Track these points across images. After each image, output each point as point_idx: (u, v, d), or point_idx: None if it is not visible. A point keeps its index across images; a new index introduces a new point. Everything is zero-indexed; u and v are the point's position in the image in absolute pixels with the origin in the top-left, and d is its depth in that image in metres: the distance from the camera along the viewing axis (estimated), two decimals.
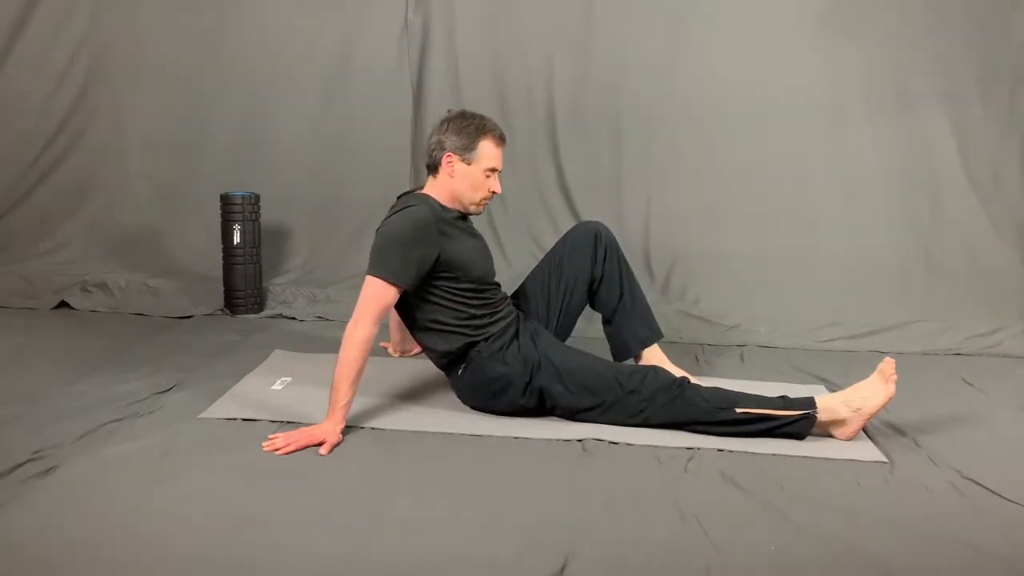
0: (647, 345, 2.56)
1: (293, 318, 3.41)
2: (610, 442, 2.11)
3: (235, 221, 3.40)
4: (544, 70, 3.64)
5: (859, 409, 2.13)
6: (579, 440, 2.12)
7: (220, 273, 3.46)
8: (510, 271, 3.40)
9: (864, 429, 2.22)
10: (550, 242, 3.68)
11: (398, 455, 2.04)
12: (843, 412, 2.14)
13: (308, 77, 3.73)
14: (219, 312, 3.43)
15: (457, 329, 2.28)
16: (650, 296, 2.75)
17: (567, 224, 3.68)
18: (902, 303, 3.36)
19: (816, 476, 1.95)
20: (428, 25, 3.67)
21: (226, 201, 3.41)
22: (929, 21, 3.43)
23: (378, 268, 2.16)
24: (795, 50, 3.51)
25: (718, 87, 3.55)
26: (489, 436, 2.15)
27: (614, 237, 2.56)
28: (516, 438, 2.14)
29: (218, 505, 1.74)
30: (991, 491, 1.88)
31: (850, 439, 2.16)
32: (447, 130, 2.29)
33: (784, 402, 2.17)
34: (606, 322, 2.60)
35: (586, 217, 3.66)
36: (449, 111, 2.36)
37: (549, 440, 2.13)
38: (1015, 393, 2.64)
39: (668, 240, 3.61)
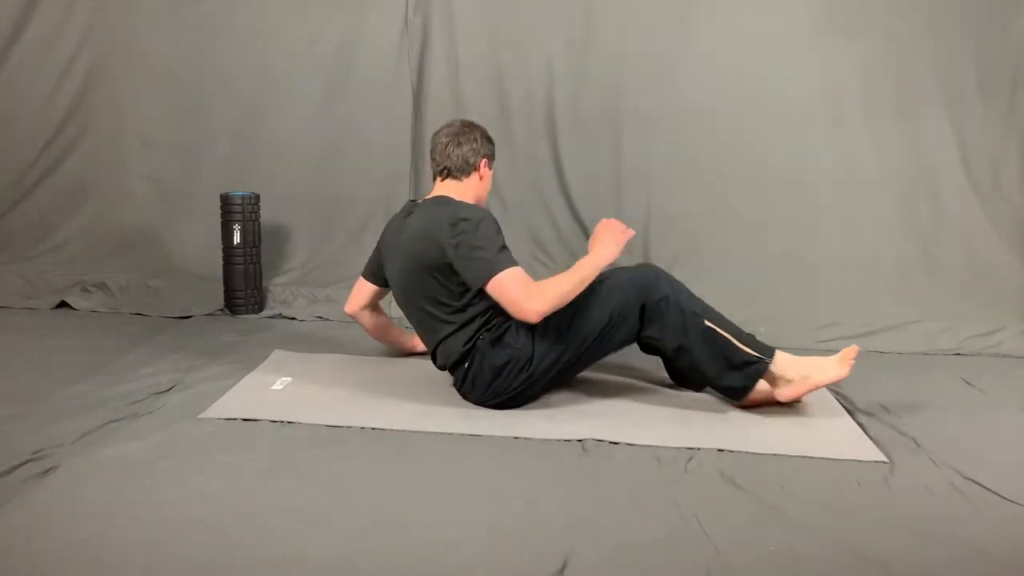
0: None
1: (293, 318, 3.41)
2: (610, 442, 2.11)
3: (235, 221, 3.40)
4: (544, 70, 3.64)
5: (807, 376, 2.28)
6: (579, 440, 2.12)
7: (220, 273, 3.46)
8: None
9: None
10: (549, 242, 3.71)
11: (398, 455, 2.04)
12: (791, 373, 2.29)
13: (308, 77, 3.73)
14: (219, 312, 3.43)
15: (476, 319, 2.30)
16: None
17: (567, 224, 3.70)
18: (902, 303, 3.36)
19: (816, 476, 1.95)
20: (428, 25, 3.67)
21: (226, 201, 3.41)
22: (929, 21, 3.43)
23: (502, 261, 2.20)
24: (795, 50, 3.51)
25: (718, 87, 3.55)
26: (489, 436, 2.15)
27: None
28: (516, 438, 2.14)
29: (218, 505, 1.74)
30: (991, 491, 1.88)
31: (788, 400, 2.30)
32: (478, 139, 2.45)
33: (749, 339, 2.30)
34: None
35: (586, 218, 3.67)
36: (462, 121, 2.49)
37: (549, 440, 2.13)
38: (1015, 393, 2.64)
39: (668, 240, 3.61)
